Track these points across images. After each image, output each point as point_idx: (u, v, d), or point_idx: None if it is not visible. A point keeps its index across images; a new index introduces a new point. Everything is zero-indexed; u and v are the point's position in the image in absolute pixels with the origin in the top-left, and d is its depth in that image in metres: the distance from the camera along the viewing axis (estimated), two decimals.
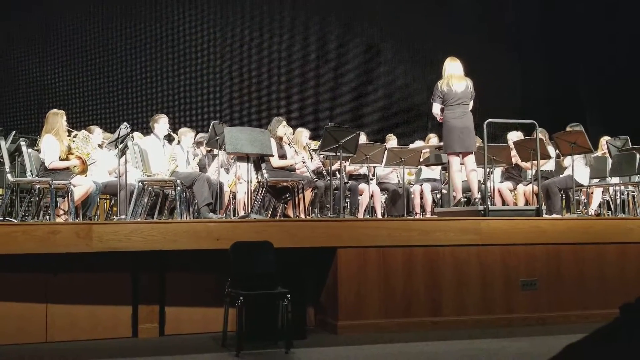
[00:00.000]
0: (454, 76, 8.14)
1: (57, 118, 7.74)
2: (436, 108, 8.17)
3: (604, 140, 10.05)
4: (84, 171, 7.84)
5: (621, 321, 1.38)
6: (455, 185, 8.26)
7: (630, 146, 9.57)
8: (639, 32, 13.24)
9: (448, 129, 8.11)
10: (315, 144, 8.93)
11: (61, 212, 7.76)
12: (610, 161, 9.34)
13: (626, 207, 9.68)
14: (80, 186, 7.65)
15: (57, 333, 6.17)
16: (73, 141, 7.87)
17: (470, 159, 8.20)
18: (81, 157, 7.78)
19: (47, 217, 7.65)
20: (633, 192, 9.62)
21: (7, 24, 12.28)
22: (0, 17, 12.29)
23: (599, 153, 9.88)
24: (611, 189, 9.61)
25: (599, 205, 9.88)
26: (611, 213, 9.72)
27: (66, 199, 7.61)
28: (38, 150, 7.83)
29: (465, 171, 8.32)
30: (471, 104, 8.20)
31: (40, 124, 8.63)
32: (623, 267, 7.26)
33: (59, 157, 7.64)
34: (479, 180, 8.52)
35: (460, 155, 8.18)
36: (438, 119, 8.27)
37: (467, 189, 8.64)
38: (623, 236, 7.33)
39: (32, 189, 7.92)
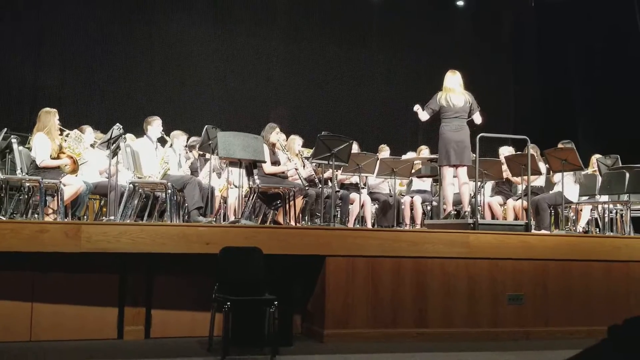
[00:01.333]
0: (453, 90, 8.18)
1: (50, 116, 7.72)
2: (423, 116, 8.24)
3: (594, 158, 10.10)
4: (74, 171, 7.81)
5: (608, 343, 1.39)
6: (447, 197, 8.28)
7: (620, 165, 9.63)
8: (636, 52, 13.31)
9: (444, 142, 8.14)
10: (308, 152, 8.94)
11: (50, 211, 7.73)
12: (600, 179, 9.38)
13: (614, 226, 9.71)
14: (71, 185, 7.63)
15: (42, 332, 6.14)
16: (65, 140, 7.85)
17: (464, 172, 8.24)
18: (72, 156, 7.77)
19: (36, 215, 7.62)
20: (621, 210, 9.66)
21: (2, 22, 12.24)
22: None
23: (589, 171, 9.94)
24: (600, 206, 9.65)
25: (587, 223, 9.92)
26: (599, 231, 9.76)
27: (56, 198, 7.58)
28: (29, 148, 7.81)
29: (458, 184, 8.35)
30: (477, 117, 8.22)
31: (32, 122, 8.60)
32: (609, 285, 7.30)
33: (50, 156, 7.61)
34: (470, 194, 8.55)
35: (454, 168, 8.21)
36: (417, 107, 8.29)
37: (457, 202, 8.66)
38: (610, 254, 7.36)
39: (22, 187, 7.89)
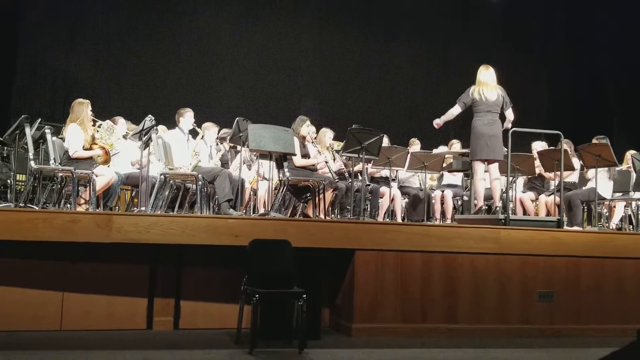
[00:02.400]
0: (486, 84, 8.11)
1: (83, 107, 7.78)
2: (455, 110, 8.21)
3: (629, 154, 9.92)
4: (106, 161, 7.87)
5: (637, 346, 1.36)
6: (478, 192, 8.21)
7: None
8: None
9: (476, 136, 8.08)
10: (338, 145, 8.92)
11: (82, 201, 7.80)
12: (634, 175, 9.23)
13: None
14: (103, 176, 7.68)
15: (72, 322, 6.20)
16: (97, 131, 7.91)
17: (495, 167, 8.17)
18: (104, 147, 7.83)
19: (68, 205, 7.69)
20: None
21: (37, 13, 12.38)
22: (30, 7, 12.40)
23: (623, 167, 9.78)
24: (634, 203, 9.50)
25: (621, 220, 9.78)
26: (633, 228, 9.61)
27: (88, 188, 7.64)
28: (62, 139, 7.87)
29: (489, 179, 8.28)
30: (510, 113, 8.16)
31: (65, 112, 8.69)
32: None
33: (83, 147, 7.68)
34: (502, 189, 8.47)
35: (486, 162, 8.14)
36: (437, 121, 8.30)
37: (489, 197, 8.59)
38: None
39: (55, 177, 7.97)
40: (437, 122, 8.36)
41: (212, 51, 13.65)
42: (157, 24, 13.30)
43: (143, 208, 7.78)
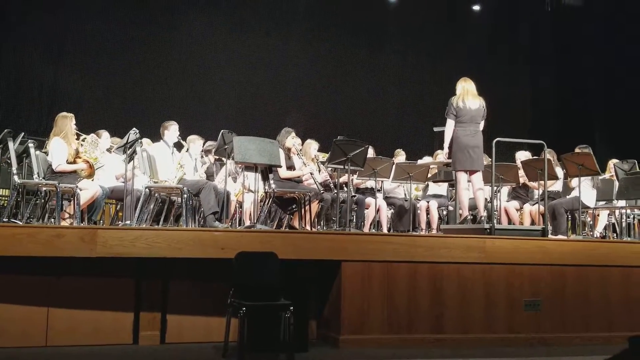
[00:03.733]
0: (469, 93, 8.13)
1: (67, 121, 7.76)
2: (450, 125, 8.11)
3: (611, 163, 10.01)
4: (90, 175, 7.83)
5: (629, 354, 1.37)
6: (462, 202, 8.23)
7: (638, 170, 9.54)
8: None
9: (458, 146, 8.09)
10: (323, 156, 8.93)
11: (66, 215, 7.76)
12: (617, 184, 9.30)
13: (632, 231, 9.63)
14: (87, 190, 7.64)
15: (58, 337, 6.15)
16: (81, 145, 7.88)
17: (478, 177, 8.19)
18: (89, 161, 7.80)
19: (52, 220, 7.65)
20: (639, 215, 9.57)
21: (23, 26, 12.33)
22: (16, 20, 12.35)
23: (606, 175, 9.86)
24: (617, 211, 9.58)
25: (605, 228, 9.85)
26: (616, 236, 9.68)
27: (72, 202, 7.61)
28: (46, 153, 7.84)
29: (473, 189, 8.31)
30: (482, 123, 8.21)
31: (49, 126, 8.64)
32: (627, 291, 7.24)
33: (67, 160, 7.64)
34: (486, 199, 8.51)
35: (468, 173, 8.17)
36: (446, 150, 8.24)
37: (473, 207, 8.62)
38: (628, 259, 7.30)
39: (39, 191, 7.92)
40: (446, 152, 8.31)
41: (196, 64, 13.65)
42: (141, 38, 13.28)
43: (128, 222, 7.74)
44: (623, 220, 9.51)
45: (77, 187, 7.48)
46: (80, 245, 5.86)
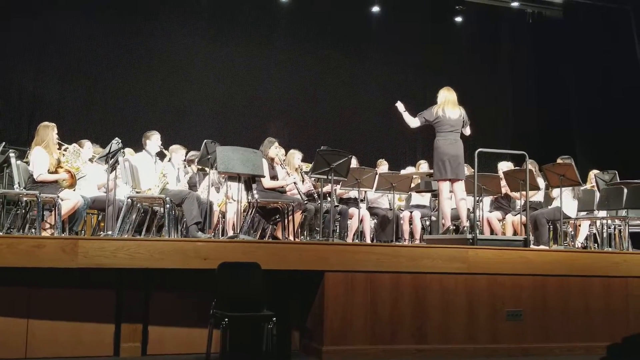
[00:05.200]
0: (449, 102, 8.20)
1: (48, 131, 7.71)
2: (413, 123, 8.33)
3: (592, 173, 10.09)
4: (72, 185, 7.77)
5: None
6: (445, 212, 8.26)
7: (618, 180, 9.62)
8: (632, 65, 13.38)
9: (439, 156, 8.14)
10: (307, 166, 8.93)
11: (47, 226, 7.69)
12: (598, 194, 9.37)
13: (612, 241, 9.69)
14: (68, 200, 7.59)
15: (38, 349, 6.09)
16: (63, 154, 7.83)
17: (460, 187, 8.23)
18: (70, 171, 7.74)
19: (33, 230, 7.59)
20: (619, 226, 9.63)
21: (3, 34, 12.24)
22: None
23: (587, 186, 9.93)
24: (598, 222, 9.64)
25: (586, 238, 9.91)
26: (598, 246, 9.74)
27: (53, 212, 7.55)
28: (27, 162, 7.78)
29: (455, 199, 8.34)
30: (467, 130, 8.27)
31: (30, 136, 8.60)
32: (607, 301, 7.29)
33: (48, 170, 7.59)
34: (468, 209, 8.54)
35: (450, 182, 8.20)
36: (401, 106, 8.42)
37: (456, 217, 8.65)
38: (608, 270, 7.35)
39: (19, 201, 7.86)
40: (401, 104, 8.46)
41: (179, 74, 13.59)
42: (124, 47, 13.21)
43: (110, 232, 7.68)
44: (604, 230, 9.57)
45: (58, 197, 7.43)
46: (61, 255, 5.82)
